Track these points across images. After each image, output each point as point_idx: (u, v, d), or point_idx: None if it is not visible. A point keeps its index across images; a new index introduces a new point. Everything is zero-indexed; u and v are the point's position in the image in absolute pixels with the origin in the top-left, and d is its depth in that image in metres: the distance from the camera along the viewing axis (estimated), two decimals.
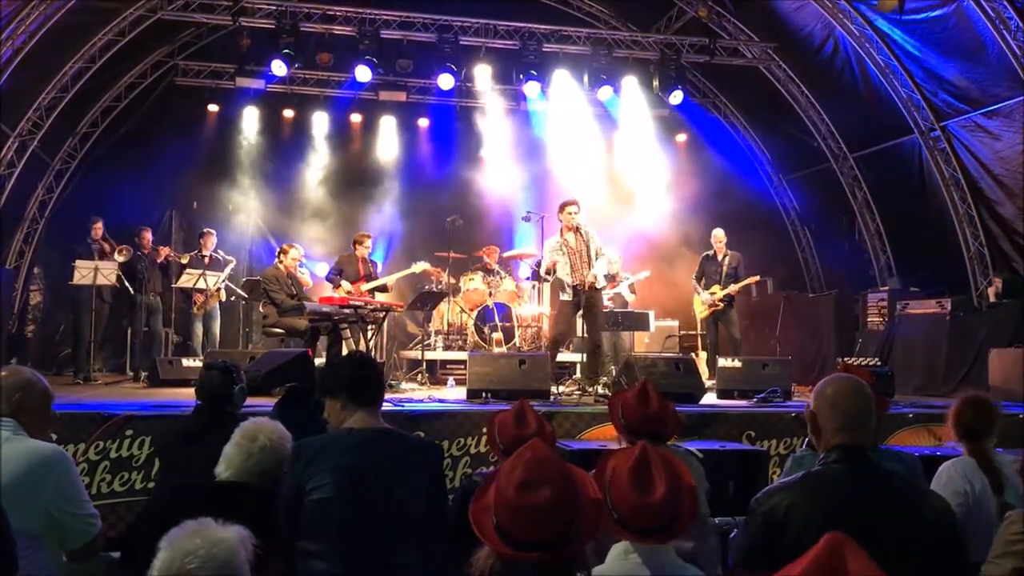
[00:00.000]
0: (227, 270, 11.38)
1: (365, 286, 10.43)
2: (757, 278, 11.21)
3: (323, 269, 11.91)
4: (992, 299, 10.61)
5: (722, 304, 10.85)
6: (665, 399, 3.74)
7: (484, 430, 6.38)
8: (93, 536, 3.32)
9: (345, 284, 10.32)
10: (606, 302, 11.28)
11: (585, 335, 9.09)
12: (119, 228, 10.99)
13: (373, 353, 9.43)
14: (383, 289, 10.74)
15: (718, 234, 11.20)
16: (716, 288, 10.88)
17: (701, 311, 11.17)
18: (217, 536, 2.13)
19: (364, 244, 10.67)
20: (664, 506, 2.41)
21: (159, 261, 11.15)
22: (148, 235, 11.26)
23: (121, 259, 10.57)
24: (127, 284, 10.58)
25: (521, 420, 3.65)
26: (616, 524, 2.43)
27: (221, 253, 11.65)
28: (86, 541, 3.30)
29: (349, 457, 3.36)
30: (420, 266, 11.37)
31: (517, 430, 3.61)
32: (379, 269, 11.10)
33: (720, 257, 11.07)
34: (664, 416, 3.66)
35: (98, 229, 10.68)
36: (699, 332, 12.05)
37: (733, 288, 10.83)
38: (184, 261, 11.28)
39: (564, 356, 11.37)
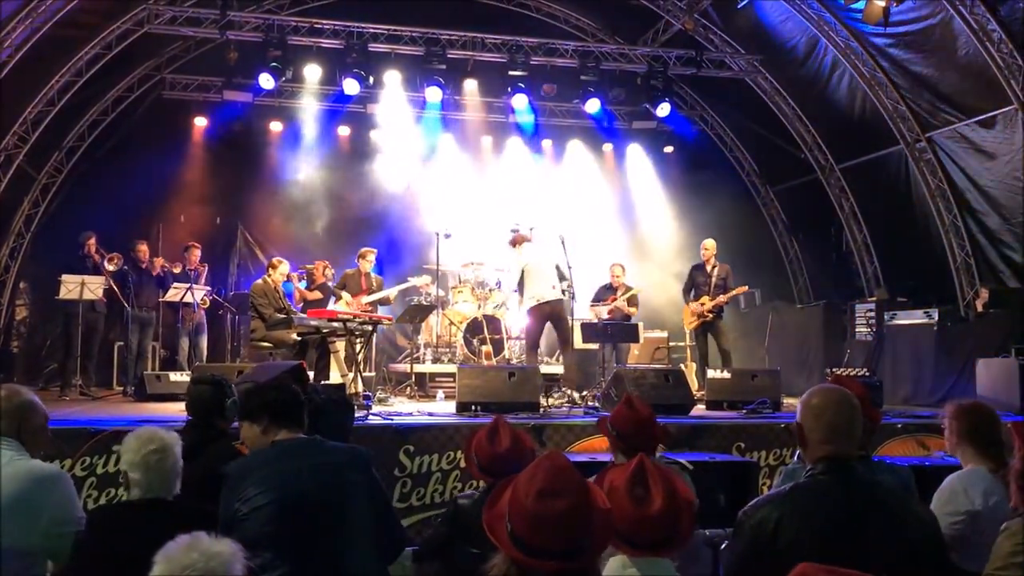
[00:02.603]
0: (203, 279, 11.43)
1: (366, 298, 10.47)
2: (745, 288, 11.23)
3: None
4: (980, 309, 10.65)
5: (711, 315, 10.86)
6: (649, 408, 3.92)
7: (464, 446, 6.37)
8: None
9: (346, 296, 10.37)
10: (605, 314, 11.35)
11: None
12: (106, 242, 10.93)
13: (362, 366, 9.42)
14: (386, 302, 10.80)
15: (708, 244, 11.20)
16: (705, 299, 10.88)
17: (690, 322, 11.17)
18: (213, 550, 2.14)
19: (367, 259, 10.82)
20: (662, 518, 2.42)
21: (155, 273, 11.11)
22: (144, 247, 11.21)
23: (112, 268, 10.52)
24: (121, 297, 10.53)
25: (493, 437, 3.62)
26: (614, 537, 2.43)
27: (205, 266, 11.69)
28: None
29: (281, 463, 3.34)
30: (421, 280, 11.40)
31: (490, 447, 3.60)
32: (383, 283, 11.14)
33: (709, 268, 11.07)
34: (652, 421, 3.81)
35: (91, 245, 10.63)
36: (688, 343, 12.06)
37: (722, 299, 10.84)
38: (177, 271, 11.27)
39: (552, 368, 11.40)
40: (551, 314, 9.71)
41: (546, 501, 2.12)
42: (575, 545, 2.13)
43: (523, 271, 9.78)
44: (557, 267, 9.71)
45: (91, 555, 3.11)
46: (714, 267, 11.04)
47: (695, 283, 11.14)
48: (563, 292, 9.67)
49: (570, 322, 9.82)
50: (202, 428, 4.33)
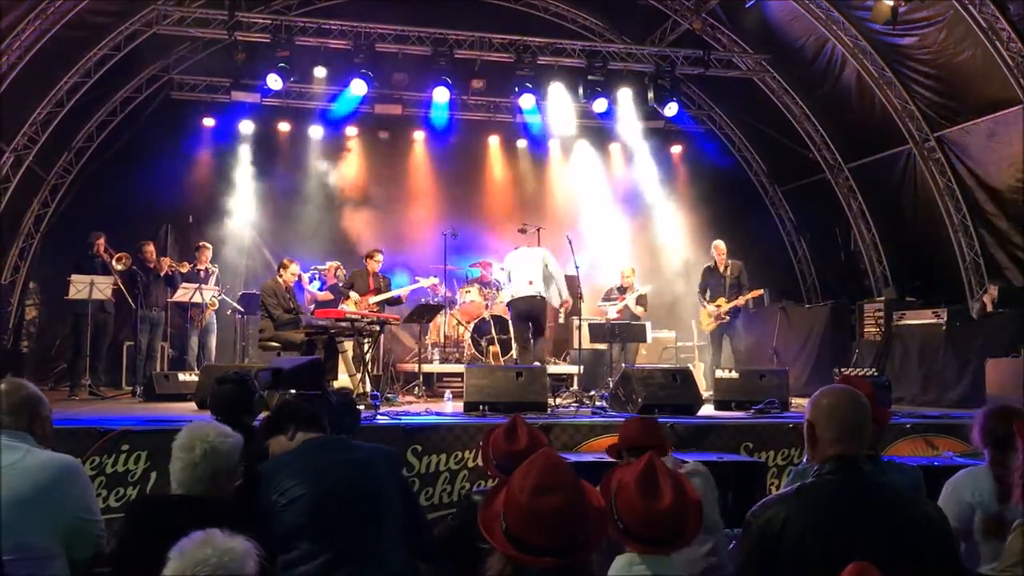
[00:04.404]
0: (212, 279, 11.45)
1: (374, 299, 10.48)
2: (760, 292, 11.12)
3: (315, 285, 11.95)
4: (989, 307, 10.60)
5: (728, 317, 10.82)
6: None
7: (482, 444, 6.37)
8: (102, 546, 3.35)
9: (354, 295, 10.39)
10: (613, 314, 11.36)
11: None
12: (115, 242, 10.96)
13: (369, 366, 9.44)
14: (395, 302, 10.81)
15: (719, 246, 11.17)
16: (721, 300, 10.86)
17: (707, 323, 11.13)
18: (227, 545, 2.17)
19: (375, 259, 10.82)
20: (672, 513, 2.44)
21: (162, 274, 11.15)
22: (151, 248, 11.25)
23: (120, 267, 10.55)
24: (127, 297, 10.56)
25: (511, 436, 3.64)
26: (622, 534, 2.46)
27: (216, 267, 11.72)
28: (96, 550, 3.33)
29: (314, 457, 3.43)
30: (428, 281, 11.42)
31: (507, 445, 3.61)
32: (392, 284, 11.13)
33: (722, 268, 11.04)
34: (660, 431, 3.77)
35: (100, 244, 10.66)
36: (696, 343, 12.03)
37: (738, 301, 10.81)
38: (184, 271, 11.29)
39: (561, 368, 11.42)
40: (526, 310, 10.02)
41: (540, 497, 2.14)
42: (570, 541, 2.15)
43: (508, 274, 10.31)
44: (546, 266, 10.03)
45: (128, 548, 3.11)
46: (727, 267, 11.01)
47: (709, 284, 11.12)
48: (540, 289, 9.97)
49: (546, 318, 10.12)
50: (230, 428, 4.30)
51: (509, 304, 10.31)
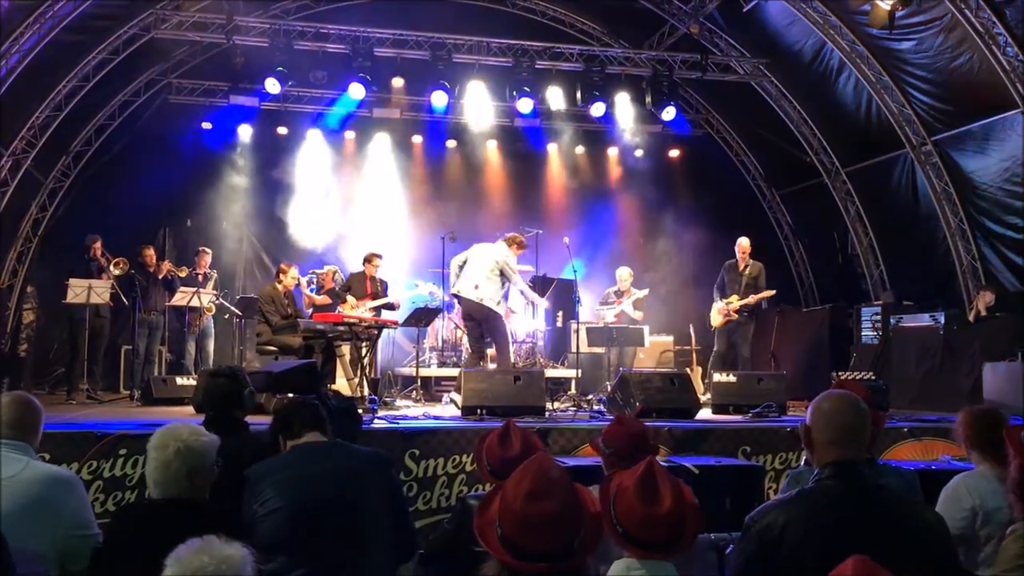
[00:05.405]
0: (211, 284, 11.46)
1: (371, 303, 10.47)
2: (770, 292, 10.89)
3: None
4: (983, 311, 10.62)
5: (737, 315, 10.71)
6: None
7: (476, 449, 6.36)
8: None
9: (351, 299, 10.39)
10: (611, 318, 11.34)
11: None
12: (113, 246, 10.97)
13: (367, 370, 9.44)
14: (390, 307, 10.81)
15: (743, 243, 10.94)
16: (734, 298, 10.75)
17: (716, 319, 11.01)
18: (224, 553, 2.16)
19: (374, 263, 10.77)
20: (671, 518, 2.45)
21: (161, 277, 11.15)
22: (151, 252, 11.26)
23: (117, 272, 10.55)
24: (124, 300, 10.55)
25: (505, 441, 3.63)
26: (621, 538, 2.46)
27: (215, 271, 11.73)
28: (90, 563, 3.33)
29: (295, 468, 3.40)
30: (427, 287, 11.41)
31: (501, 451, 3.60)
32: (388, 288, 11.10)
33: (742, 267, 10.88)
34: (645, 434, 3.74)
35: (97, 248, 10.65)
36: (694, 347, 12.04)
37: (750, 300, 10.62)
38: (183, 275, 11.30)
39: (559, 372, 11.41)
40: (468, 314, 9.69)
41: (535, 503, 2.14)
42: (565, 546, 2.15)
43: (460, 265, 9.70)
44: (501, 272, 9.46)
45: (112, 554, 3.11)
46: (746, 266, 10.88)
47: (726, 281, 10.97)
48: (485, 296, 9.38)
49: (495, 325, 9.63)
50: (221, 422, 4.21)
51: (455, 296, 9.76)
